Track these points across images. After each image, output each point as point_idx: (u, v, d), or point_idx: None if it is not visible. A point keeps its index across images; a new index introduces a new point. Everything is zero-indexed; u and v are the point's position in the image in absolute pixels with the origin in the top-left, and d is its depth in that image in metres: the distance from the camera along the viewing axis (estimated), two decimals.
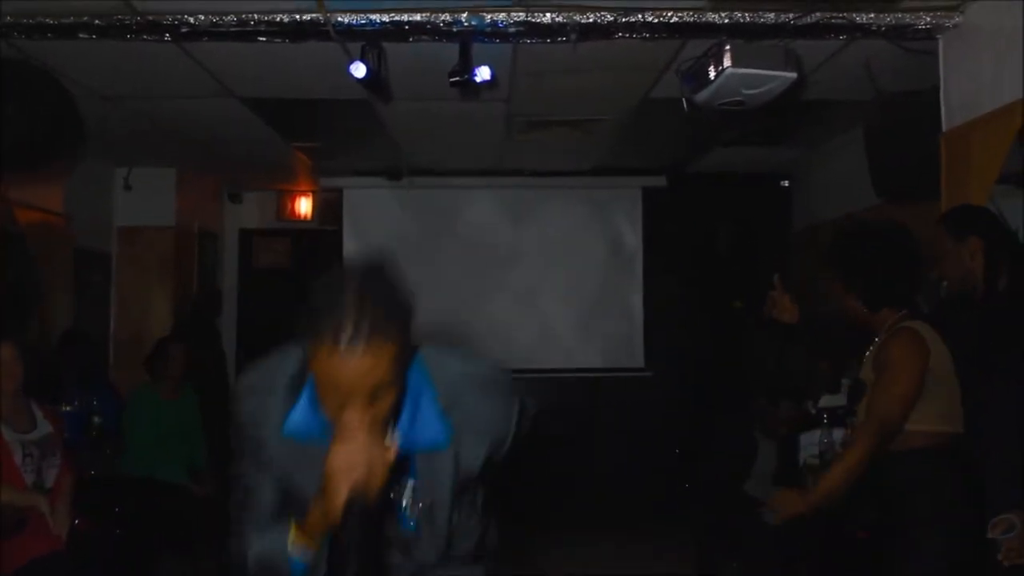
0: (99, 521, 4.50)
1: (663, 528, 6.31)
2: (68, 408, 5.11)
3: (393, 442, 1.65)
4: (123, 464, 5.36)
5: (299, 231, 8.91)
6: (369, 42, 4.12)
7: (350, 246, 8.12)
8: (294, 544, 1.68)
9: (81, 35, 4.02)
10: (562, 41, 4.15)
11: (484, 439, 1.80)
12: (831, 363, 5.08)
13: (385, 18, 3.92)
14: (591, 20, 3.94)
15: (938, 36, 4.03)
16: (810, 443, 4.75)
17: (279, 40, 4.13)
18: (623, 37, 4.09)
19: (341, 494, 1.54)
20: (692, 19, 3.94)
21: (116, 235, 7.42)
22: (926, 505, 2.86)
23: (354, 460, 1.55)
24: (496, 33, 4.09)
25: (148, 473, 5.29)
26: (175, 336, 6.25)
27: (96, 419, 5.39)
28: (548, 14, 3.92)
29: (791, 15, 3.88)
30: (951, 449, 2.93)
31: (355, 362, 1.50)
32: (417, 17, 3.93)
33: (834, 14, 3.90)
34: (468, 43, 4.19)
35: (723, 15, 3.91)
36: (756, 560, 4.56)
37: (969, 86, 3.81)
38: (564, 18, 3.94)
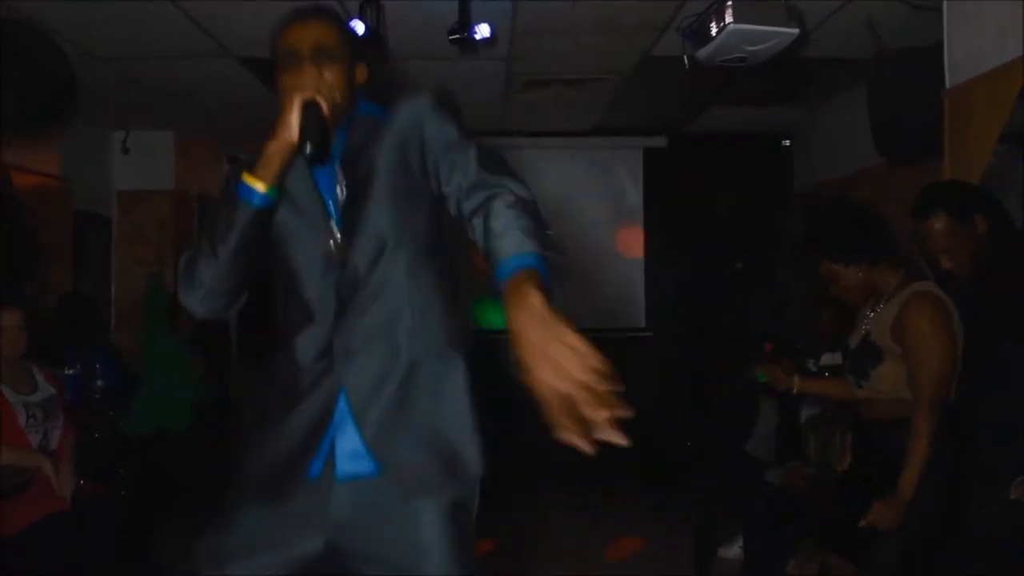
0: (103, 482, 4.52)
1: (664, 489, 6.33)
2: (70, 371, 5.12)
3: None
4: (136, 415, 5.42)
5: None
6: None
7: None
8: (245, 182, 1.80)
9: None
10: None
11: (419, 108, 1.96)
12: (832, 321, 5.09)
13: None
14: None
15: None
16: (812, 402, 4.78)
17: None
18: None
19: (294, 108, 1.77)
20: None
21: (115, 199, 7.39)
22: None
23: (305, 80, 1.83)
24: None
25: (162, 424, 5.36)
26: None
27: (98, 382, 5.41)
28: None
29: None
30: (944, 416, 2.94)
31: (302, 24, 1.90)
32: None
33: None
34: (467, 0, 4.16)
35: None
36: (758, 520, 4.58)
37: (973, 42, 3.77)
38: None
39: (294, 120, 1.76)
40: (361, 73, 2.00)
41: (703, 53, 4.14)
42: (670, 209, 8.17)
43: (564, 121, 7.55)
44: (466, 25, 4.19)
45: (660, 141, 8.09)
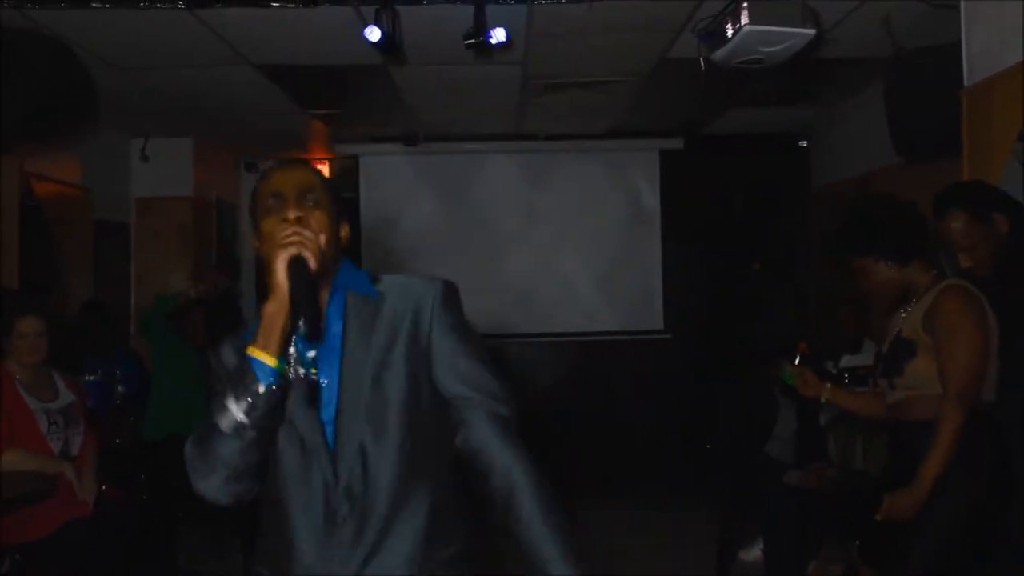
0: (124, 487, 4.54)
1: (684, 492, 6.32)
2: (91, 378, 5.15)
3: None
4: (149, 422, 5.43)
5: None
6: (383, 5, 4.10)
7: (367, 213, 8.14)
8: (254, 357, 1.68)
9: (94, 4, 4.01)
10: (577, 1, 4.10)
11: (409, 299, 1.84)
12: (853, 322, 5.07)
13: None
14: None
15: None
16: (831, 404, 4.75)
17: (292, 5, 4.11)
18: None
19: (280, 267, 1.68)
20: None
21: (134, 206, 7.44)
22: (953, 474, 2.80)
23: (288, 234, 1.71)
24: None
25: (173, 431, 5.35)
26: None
27: (119, 388, 5.43)
28: None
29: None
30: (982, 418, 2.86)
31: (287, 169, 1.84)
32: None
33: None
34: (482, 4, 4.16)
35: None
36: (778, 522, 4.56)
37: (991, 40, 3.75)
38: None
39: (283, 279, 1.68)
40: (344, 231, 1.89)
41: (719, 55, 4.13)
42: (687, 211, 8.18)
43: (580, 124, 7.55)
44: (481, 30, 4.19)
45: (676, 143, 8.10)
